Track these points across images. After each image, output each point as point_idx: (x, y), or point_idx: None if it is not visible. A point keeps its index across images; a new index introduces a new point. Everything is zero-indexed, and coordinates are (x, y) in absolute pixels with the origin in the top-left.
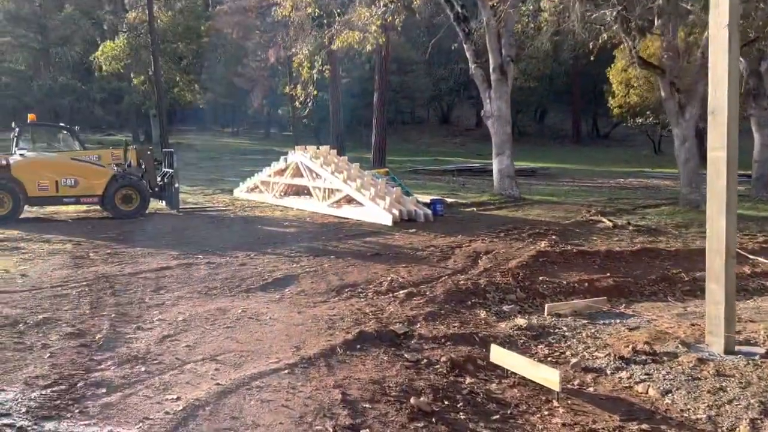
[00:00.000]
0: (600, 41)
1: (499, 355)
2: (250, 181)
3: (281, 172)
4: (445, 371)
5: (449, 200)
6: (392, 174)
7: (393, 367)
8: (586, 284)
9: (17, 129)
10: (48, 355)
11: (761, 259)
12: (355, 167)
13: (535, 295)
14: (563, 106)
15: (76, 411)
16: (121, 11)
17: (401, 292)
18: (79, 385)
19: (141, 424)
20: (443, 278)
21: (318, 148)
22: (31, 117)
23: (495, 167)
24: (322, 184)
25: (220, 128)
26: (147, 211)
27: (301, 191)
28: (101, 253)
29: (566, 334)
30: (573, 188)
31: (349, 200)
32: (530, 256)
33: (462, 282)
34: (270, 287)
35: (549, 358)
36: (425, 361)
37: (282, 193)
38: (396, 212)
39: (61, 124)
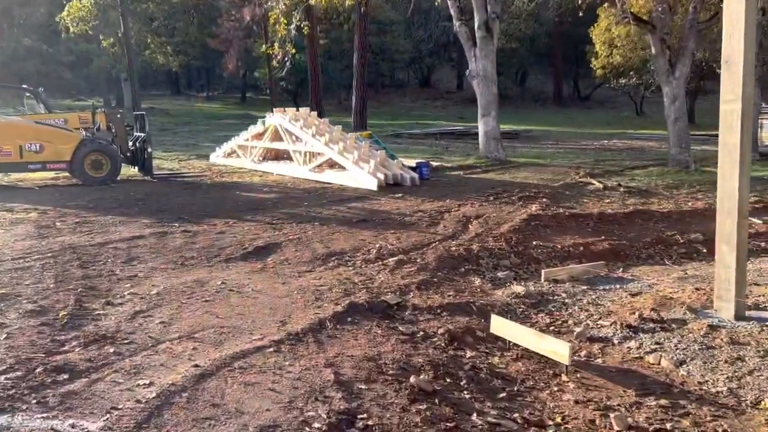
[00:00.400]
0: None
1: (499, 325)
2: (227, 145)
3: (259, 136)
4: (443, 344)
5: (434, 164)
6: (376, 137)
7: (388, 342)
8: (581, 248)
9: None
10: (4, 336)
11: (755, 220)
12: (337, 129)
13: (529, 260)
14: (544, 68)
15: (33, 401)
16: None
17: (391, 259)
18: (37, 370)
19: (108, 416)
20: (434, 244)
21: (297, 110)
22: None
23: (481, 129)
24: (303, 148)
25: (194, 93)
26: (118, 178)
27: (281, 156)
28: (69, 222)
29: (566, 301)
30: (558, 150)
31: (332, 164)
32: (522, 220)
33: (454, 248)
34: (251, 256)
35: (551, 328)
36: (421, 333)
37: (260, 158)
38: (381, 176)
39: (24, 86)
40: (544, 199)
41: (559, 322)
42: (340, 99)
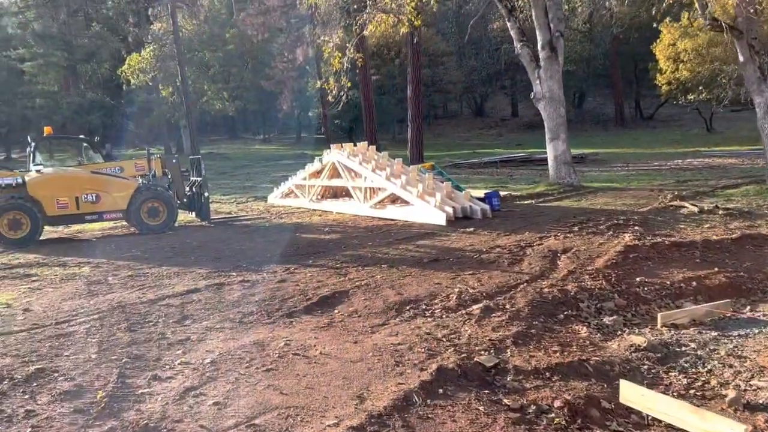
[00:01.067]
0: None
1: (632, 394)
2: (285, 185)
3: (317, 174)
4: (564, 423)
5: (503, 193)
6: (438, 168)
7: (495, 423)
8: (694, 283)
9: (33, 143)
10: (29, 428)
11: None
12: (397, 162)
13: (636, 300)
14: (601, 89)
15: None
16: (145, 23)
17: (475, 307)
18: None
19: None
20: (521, 286)
21: (355, 146)
22: (47, 130)
23: (550, 154)
24: (363, 184)
25: (251, 136)
26: (176, 224)
27: (340, 193)
28: (121, 276)
29: (699, 353)
30: (630, 173)
31: (394, 199)
32: (617, 253)
33: (546, 290)
34: (316, 309)
35: (691, 391)
36: (533, 408)
37: (319, 197)
38: (449, 209)
39: (81, 136)
40: (636, 227)
41: (700, 383)
42: (394, 134)
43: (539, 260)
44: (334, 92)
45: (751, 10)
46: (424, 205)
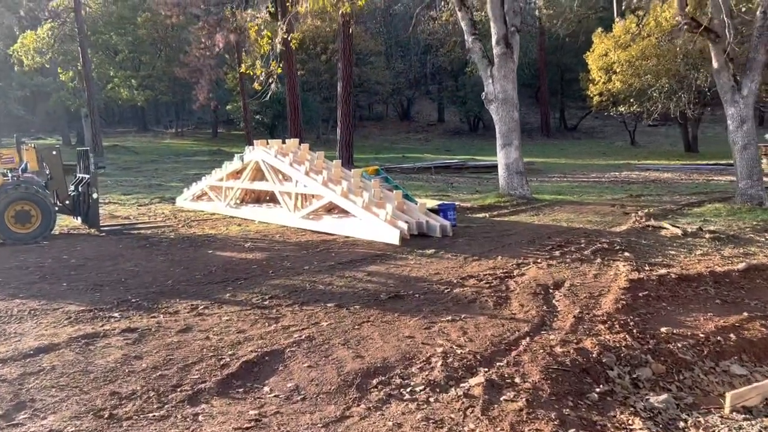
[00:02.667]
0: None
1: None
2: (197, 186)
3: (237, 175)
4: None
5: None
6: (383, 172)
7: None
8: (732, 336)
9: None
10: None
11: None
12: (336, 165)
13: (676, 364)
14: (525, 98)
15: None
16: None
17: (473, 381)
18: None
19: None
20: (524, 342)
21: (284, 143)
22: None
23: (501, 161)
24: (294, 189)
25: (162, 129)
26: (53, 232)
27: (263, 198)
28: None
29: None
30: (573, 185)
31: (329, 208)
32: (623, 290)
33: (558, 348)
34: (236, 385)
35: None
36: None
37: (238, 201)
38: (403, 225)
39: None
40: (626, 253)
41: None
42: (319, 133)
43: (530, 299)
44: (261, 78)
45: (725, 13)
46: (371, 218)
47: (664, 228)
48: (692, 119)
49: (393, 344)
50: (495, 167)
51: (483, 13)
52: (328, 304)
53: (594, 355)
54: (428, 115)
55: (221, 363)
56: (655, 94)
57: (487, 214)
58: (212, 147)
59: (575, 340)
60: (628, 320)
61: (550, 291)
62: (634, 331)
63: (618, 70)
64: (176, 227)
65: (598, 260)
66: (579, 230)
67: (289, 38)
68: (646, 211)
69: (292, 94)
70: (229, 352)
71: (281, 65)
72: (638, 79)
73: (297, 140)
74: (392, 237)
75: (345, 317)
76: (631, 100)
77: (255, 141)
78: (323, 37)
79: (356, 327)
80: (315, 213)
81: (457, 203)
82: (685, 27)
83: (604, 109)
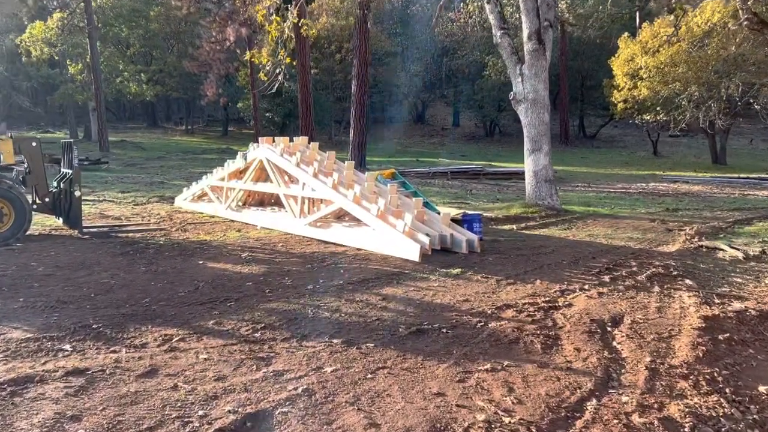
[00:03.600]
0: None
1: None
2: (197, 185)
3: (239, 174)
4: None
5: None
6: (400, 176)
7: None
8: None
9: None
10: None
11: None
12: (348, 166)
13: None
14: None
15: None
16: None
17: None
18: None
19: None
20: (590, 407)
21: (292, 141)
22: None
23: (528, 168)
24: (300, 192)
25: (173, 126)
26: (30, 233)
27: (268, 201)
28: None
29: None
30: (601, 195)
31: (340, 215)
32: (697, 330)
33: (638, 419)
34: None
35: None
36: None
37: (239, 204)
38: (424, 239)
39: None
40: (687, 280)
41: None
42: (330, 134)
43: (586, 341)
44: (267, 69)
45: None
46: (386, 229)
47: (721, 249)
48: (721, 130)
49: (418, 405)
50: (514, 174)
51: (512, 8)
52: (334, 340)
53: (686, 431)
54: (443, 119)
55: (186, 428)
56: (683, 103)
57: (514, 226)
58: (221, 145)
59: (656, 405)
60: (715, 374)
61: (608, 329)
62: (727, 390)
63: (645, 77)
64: (169, 231)
65: (657, 288)
66: (623, 249)
67: (300, 23)
68: (695, 228)
69: (304, 90)
70: (200, 413)
71: (294, 61)
72: (666, 86)
73: (306, 138)
74: (411, 252)
75: (355, 360)
76: (658, 108)
77: (260, 138)
78: (338, 36)
79: (369, 376)
80: (323, 220)
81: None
82: (746, 23)
83: (629, 116)
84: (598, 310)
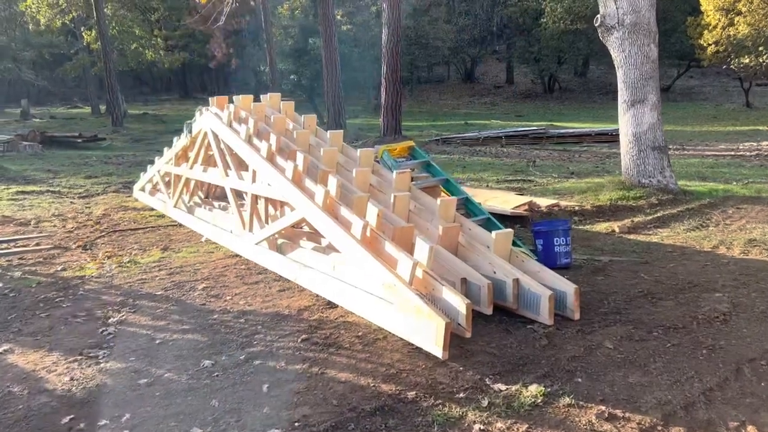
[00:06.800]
0: None
1: None
2: (150, 170)
3: (186, 156)
4: None
5: (543, 202)
6: (421, 152)
7: None
8: None
9: None
10: None
11: None
12: (334, 138)
13: None
14: (604, 56)
15: None
16: None
17: None
18: None
19: None
20: None
21: (257, 101)
22: None
23: (625, 129)
24: (249, 187)
25: (206, 95)
26: None
27: (224, 195)
28: None
29: None
30: (708, 162)
31: (311, 234)
32: None
33: None
34: None
35: None
36: None
37: (199, 197)
38: (456, 302)
39: None
40: None
41: None
42: (369, 98)
43: None
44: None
45: None
46: (377, 271)
47: None
48: None
49: None
50: (585, 135)
51: None
52: None
53: None
54: (495, 76)
55: None
56: None
57: (615, 227)
58: None
59: None
60: None
61: None
62: None
63: (744, 10)
64: (59, 253)
65: None
66: None
67: None
68: None
69: (328, 46)
70: None
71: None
72: None
73: (278, 96)
74: (426, 336)
75: None
76: (760, 48)
77: (211, 99)
78: None
79: None
80: (286, 236)
81: (548, 202)
82: None
83: (722, 61)
84: None
